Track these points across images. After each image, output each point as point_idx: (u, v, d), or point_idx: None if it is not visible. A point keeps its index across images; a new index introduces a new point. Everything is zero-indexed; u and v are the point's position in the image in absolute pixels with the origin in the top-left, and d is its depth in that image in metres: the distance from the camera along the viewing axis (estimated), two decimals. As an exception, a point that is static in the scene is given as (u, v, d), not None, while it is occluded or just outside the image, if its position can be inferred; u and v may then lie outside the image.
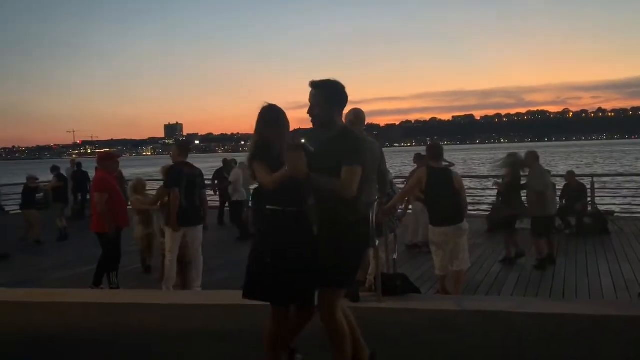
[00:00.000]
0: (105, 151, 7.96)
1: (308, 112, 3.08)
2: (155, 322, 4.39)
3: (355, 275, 3.22)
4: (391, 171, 8.02)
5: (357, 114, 4.86)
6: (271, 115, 3.18)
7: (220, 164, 13.24)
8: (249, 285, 3.09)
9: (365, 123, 4.96)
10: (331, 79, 3.06)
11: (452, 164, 6.03)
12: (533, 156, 7.98)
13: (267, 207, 3.10)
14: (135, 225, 7.88)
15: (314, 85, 3.04)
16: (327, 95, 3.03)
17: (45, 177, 14.47)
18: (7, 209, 16.76)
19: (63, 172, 17.03)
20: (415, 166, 10.29)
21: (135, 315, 4.53)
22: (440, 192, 5.48)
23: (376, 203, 4.62)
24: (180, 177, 6.31)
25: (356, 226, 3.04)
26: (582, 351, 3.57)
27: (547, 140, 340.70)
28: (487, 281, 7.14)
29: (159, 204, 6.86)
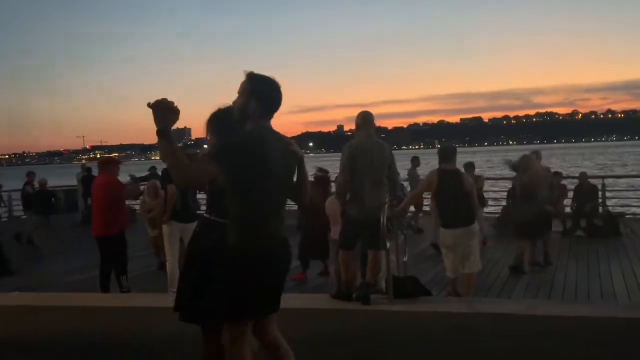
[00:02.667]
0: (107, 156, 8.06)
1: (233, 102, 2.80)
2: (165, 326, 4.38)
3: (239, 311, 2.65)
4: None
5: (365, 117, 4.88)
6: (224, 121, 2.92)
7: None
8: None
9: (374, 126, 4.97)
10: (269, 76, 2.74)
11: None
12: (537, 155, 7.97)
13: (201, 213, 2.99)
14: (148, 228, 8.02)
15: (246, 75, 2.74)
16: (250, 87, 2.72)
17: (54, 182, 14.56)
18: (15, 214, 16.88)
19: (73, 177, 17.15)
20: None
21: (146, 319, 4.53)
22: (451, 194, 5.46)
23: (387, 205, 4.62)
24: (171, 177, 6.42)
25: (241, 250, 2.60)
26: (596, 354, 3.53)
27: (556, 142, 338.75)
28: (498, 284, 7.10)
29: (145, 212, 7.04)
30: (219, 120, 2.98)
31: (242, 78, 2.75)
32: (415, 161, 11.54)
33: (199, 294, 2.80)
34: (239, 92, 2.74)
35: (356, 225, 4.75)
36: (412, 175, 11.25)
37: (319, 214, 6.67)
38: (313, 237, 7.16)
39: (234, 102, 2.77)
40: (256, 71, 2.75)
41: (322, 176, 7.58)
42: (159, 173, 12.03)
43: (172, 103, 2.49)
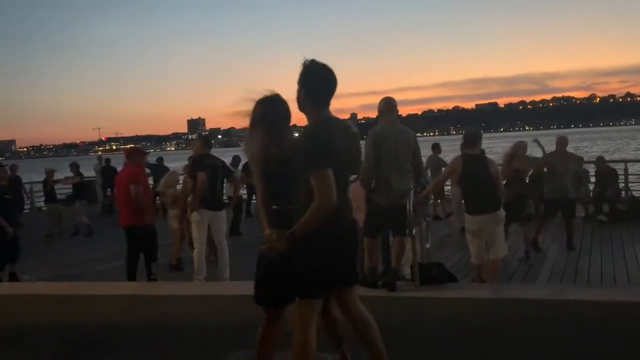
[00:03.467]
0: (133, 146, 8.11)
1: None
2: (193, 313, 4.42)
3: (330, 282, 2.83)
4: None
5: (388, 102, 4.84)
6: (273, 107, 2.93)
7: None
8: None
9: (397, 111, 4.92)
10: (320, 62, 2.78)
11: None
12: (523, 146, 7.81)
13: (273, 205, 2.96)
14: (170, 219, 8.06)
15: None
16: (301, 77, 2.80)
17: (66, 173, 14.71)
18: (37, 205, 17.12)
19: (91, 168, 17.29)
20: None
21: (175, 307, 4.58)
22: (476, 180, 5.40)
23: (412, 192, 4.59)
24: (204, 165, 6.54)
25: (319, 230, 2.68)
26: (623, 338, 3.49)
27: (574, 127, 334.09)
28: (521, 270, 7.06)
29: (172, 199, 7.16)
30: (269, 108, 2.92)
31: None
32: (436, 148, 11.49)
33: (279, 278, 2.87)
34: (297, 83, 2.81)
35: (381, 213, 4.73)
36: (434, 162, 11.19)
37: None
38: None
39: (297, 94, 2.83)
40: (312, 58, 2.78)
41: None
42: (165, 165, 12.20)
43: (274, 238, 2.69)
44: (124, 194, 6.45)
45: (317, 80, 2.78)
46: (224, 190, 7.40)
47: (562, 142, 8.18)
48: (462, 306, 4.11)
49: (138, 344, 4.04)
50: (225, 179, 7.00)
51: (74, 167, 12.69)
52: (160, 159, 15.45)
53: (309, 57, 2.80)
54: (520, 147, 7.58)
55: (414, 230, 4.45)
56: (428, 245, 6.56)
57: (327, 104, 2.83)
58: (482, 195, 5.37)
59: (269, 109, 2.90)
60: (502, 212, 5.46)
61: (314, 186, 2.61)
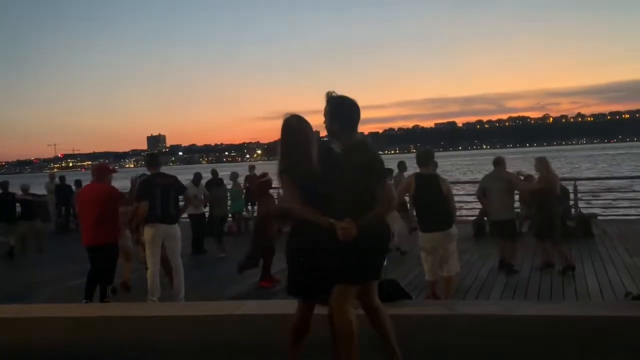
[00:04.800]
0: (102, 164, 7.91)
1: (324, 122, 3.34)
2: (145, 335, 4.35)
3: (367, 272, 3.33)
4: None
5: None
6: (300, 127, 3.32)
7: (210, 175, 12.95)
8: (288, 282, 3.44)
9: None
10: (343, 96, 3.27)
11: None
12: (496, 161, 8.04)
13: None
14: (125, 239, 7.89)
15: (326, 98, 3.26)
16: (329, 110, 3.24)
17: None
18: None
19: (43, 187, 16.78)
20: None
21: (125, 329, 4.49)
22: (429, 198, 5.52)
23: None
24: (151, 187, 6.50)
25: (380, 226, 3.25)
26: (572, 352, 3.61)
27: (529, 146, 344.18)
28: (476, 285, 7.22)
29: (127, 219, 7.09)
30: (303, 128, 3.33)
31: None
32: (401, 166, 11.35)
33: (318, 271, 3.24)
34: (324, 115, 3.26)
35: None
36: (399, 180, 11.25)
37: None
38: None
39: (324, 122, 3.28)
40: (333, 91, 3.27)
41: (266, 180, 7.87)
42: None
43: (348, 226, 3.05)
44: (94, 212, 6.24)
45: (348, 110, 3.26)
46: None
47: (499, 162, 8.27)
48: (416, 323, 4.18)
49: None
50: (178, 196, 6.87)
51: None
52: (62, 178, 15.19)
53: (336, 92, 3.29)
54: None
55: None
56: (385, 263, 6.63)
57: (355, 129, 3.31)
58: (434, 213, 5.50)
59: (302, 131, 3.31)
60: (454, 230, 5.59)
61: (383, 191, 3.15)
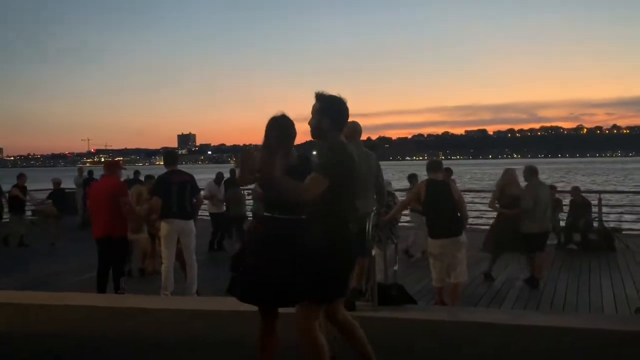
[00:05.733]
0: (114, 160, 8.17)
1: (308, 122, 3.21)
2: (158, 328, 4.48)
3: (332, 289, 3.08)
4: (396, 184, 8.12)
5: (354, 127, 4.92)
6: (285, 126, 3.28)
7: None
8: (233, 283, 3.24)
9: (374, 136, 5.03)
10: (335, 94, 3.17)
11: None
12: (530, 171, 7.89)
13: (265, 213, 3.25)
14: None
15: (315, 96, 3.16)
16: (321, 107, 3.13)
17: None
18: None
19: (72, 180, 17.22)
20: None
21: (138, 321, 4.63)
22: (439, 205, 5.54)
23: (374, 213, 4.70)
24: (168, 184, 6.66)
25: (332, 239, 3.02)
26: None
27: (561, 157, 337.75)
28: (489, 295, 7.17)
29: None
30: (282, 128, 3.27)
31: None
32: (413, 179, 10.96)
33: (284, 279, 3.06)
34: (311, 113, 3.16)
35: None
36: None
37: None
38: None
39: (309, 122, 3.17)
40: (323, 91, 3.16)
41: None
42: (142, 179, 12.22)
43: (249, 152, 2.95)
44: (104, 205, 6.48)
45: (339, 110, 3.15)
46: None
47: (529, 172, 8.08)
48: (418, 327, 4.22)
49: (94, 354, 4.07)
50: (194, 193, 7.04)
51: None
52: (137, 173, 15.47)
53: (320, 89, 3.17)
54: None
55: (373, 252, 4.56)
56: (395, 268, 6.66)
57: (342, 129, 3.21)
58: (444, 219, 5.52)
59: (284, 129, 3.26)
60: (463, 237, 5.60)
61: (307, 181, 2.91)
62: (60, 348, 4.15)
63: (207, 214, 11.74)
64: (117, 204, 6.45)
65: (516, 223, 7.52)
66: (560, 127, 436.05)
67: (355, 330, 3.24)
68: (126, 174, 8.99)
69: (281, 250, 3.10)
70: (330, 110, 3.13)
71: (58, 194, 14.26)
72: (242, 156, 3.00)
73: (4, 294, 5.84)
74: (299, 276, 3.01)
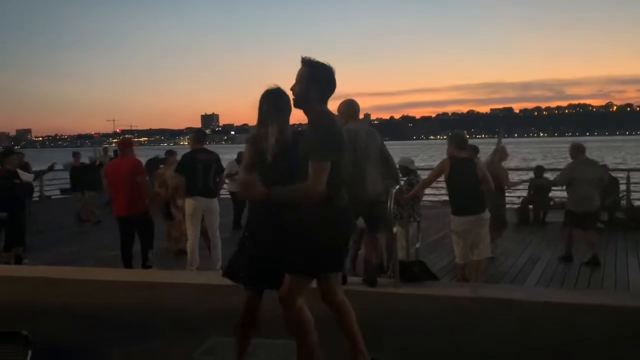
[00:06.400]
0: (129, 138, 8.29)
1: (290, 88, 2.99)
2: (184, 302, 4.58)
3: (320, 264, 2.98)
4: (420, 163, 8.11)
5: (354, 105, 4.84)
6: (283, 102, 3.09)
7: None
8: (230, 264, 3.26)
9: (397, 116, 4.97)
10: (324, 62, 2.94)
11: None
12: (576, 148, 7.69)
13: None
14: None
15: (302, 61, 2.94)
16: (310, 74, 2.91)
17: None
18: (47, 194, 17.43)
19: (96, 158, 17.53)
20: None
21: (166, 295, 4.74)
22: (463, 182, 5.51)
23: (395, 190, 4.70)
24: (193, 162, 6.76)
25: (324, 214, 2.91)
26: (597, 340, 3.59)
27: (589, 135, 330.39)
28: (512, 273, 7.17)
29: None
30: (280, 101, 3.08)
31: (294, 64, 2.93)
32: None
33: (268, 259, 3.04)
34: (297, 79, 2.92)
35: (357, 210, 4.78)
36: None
37: None
38: None
39: (292, 88, 2.94)
40: (311, 57, 2.92)
41: None
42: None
43: (248, 181, 2.85)
44: (123, 184, 6.58)
45: (329, 78, 2.93)
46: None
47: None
48: (439, 303, 4.23)
49: (125, 325, 4.19)
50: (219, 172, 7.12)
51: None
52: (169, 152, 15.69)
53: (309, 55, 2.95)
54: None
55: (395, 229, 4.56)
56: (418, 245, 6.69)
57: (328, 100, 3.00)
58: (467, 196, 5.49)
59: (277, 102, 3.07)
60: (487, 214, 5.56)
61: (310, 171, 2.75)
62: (90, 320, 4.29)
63: (228, 193, 11.91)
64: (135, 183, 6.56)
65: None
66: (589, 105, 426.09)
67: (351, 319, 3.10)
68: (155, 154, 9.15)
69: (278, 231, 3.02)
70: (318, 78, 2.90)
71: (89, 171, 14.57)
72: (241, 186, 2.93)
73: (36, 268, 6.05)
74: (289, 252, 2.93)
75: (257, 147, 3.04)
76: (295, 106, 2.99)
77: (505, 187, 8.00)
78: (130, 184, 6.56)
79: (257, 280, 3.12)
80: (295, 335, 2.98)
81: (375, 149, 4.75)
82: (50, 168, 11.39)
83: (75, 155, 13.28)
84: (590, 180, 7.41)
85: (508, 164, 8.58)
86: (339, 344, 3.16)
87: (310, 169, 2.77)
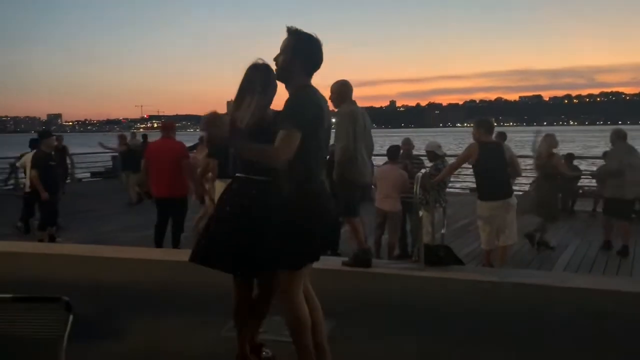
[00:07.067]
0: (170, 122, 8.40)
1: (274, 59, 2.79)
2: (214, 280, 4.68)
3: (309, 255, 2.77)
4: (446, 151, 8.11)
5: (349, 86, 4.83)
6: (265, 75, 2.93)
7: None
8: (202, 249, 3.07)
9: (423, 103, 5.01)
10: (311, 33, 2.74)
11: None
12: (617, 134, 7.59)
13: (237, 174, 3.09)
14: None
15: (288, 31, 2.75)
16: (295, 44, 2.71)
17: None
18: (78, 176, 17.88)
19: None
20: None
21: (195, 273, 4.85)
22: (491, 167, 5.48)
23: (421, 175, 4.72)
24: (225, 147, 6.74)
25: (298, 200, 2.69)
26: (620, 326, 3.57)
27: (621, 124, 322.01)
28: (539, 259, 7.15)
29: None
30: (264, 75, 2.93)
31: (283, 34, 2.75)
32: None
33: (247, 246, 2.85)
34: (281, 49, 2.74)
35: (357, 191, 4.79)
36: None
37: None
38: None
39: (275, 59, 2.77)
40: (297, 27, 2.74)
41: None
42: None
43: (213, 115, 2.69)
44: (167, 167, 6.64)
45: (314, 50, 2.75)
46: None
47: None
48: (463, 287, 4.26)
49: (154, 302, 4.32)
50: None
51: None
52: (145, 136, 15.99)
53: (295, 25, 2.76)
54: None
55: (421, 213, 4.58)
56: (443, 231, 6.69)
57: (313, 74, 2.81)
58: (495, 182, 5.47)
59: (261, 76, 2.93)
60: (513, 199, 5.54)
61: (277, 139, 2.55)
62: (122, 297, 4.42)
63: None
64: (179, 166, 6.65)
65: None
66: (622, 93, 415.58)
67: (318, 313, 2.88)
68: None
69: (252, 218, 2.86)
70: (303, 50, 2.71)
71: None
72: (205, 122, 2.69)
73: (71, 247, 6.24)
74: (268, 243, 2.73)
75: (233, 116, 2.88)
76: (278, 79, 2.85)
77: (559, 177, 7.84)
78: (174, 166, 6.65)
79: (235, 267, 2.96)
80: (290, 336, 2.79)
81: (369, 131, 4.80)
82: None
83: (122, 137, 13.70)
84: (632, 167, 7.27)
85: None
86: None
87: (278, 136, 2.56)
